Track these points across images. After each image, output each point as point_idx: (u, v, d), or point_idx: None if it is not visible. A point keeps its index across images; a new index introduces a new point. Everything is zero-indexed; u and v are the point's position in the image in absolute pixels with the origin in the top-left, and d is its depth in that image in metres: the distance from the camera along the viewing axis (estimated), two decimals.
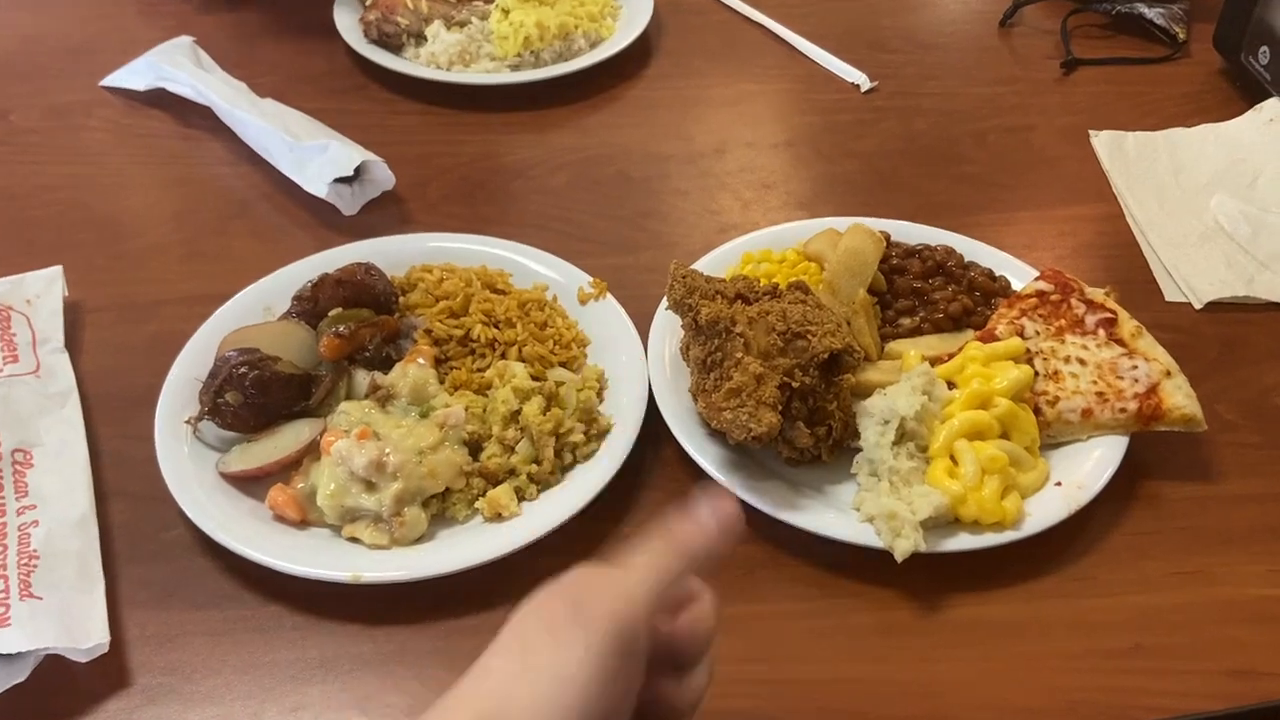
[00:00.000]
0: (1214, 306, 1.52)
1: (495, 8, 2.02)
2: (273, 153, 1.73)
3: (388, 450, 1.08)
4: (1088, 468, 1.22)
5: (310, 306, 1.36)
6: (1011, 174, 1.81)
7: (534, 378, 1.22)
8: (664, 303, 1.19)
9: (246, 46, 2.13)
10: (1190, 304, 1.54)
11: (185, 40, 1.99)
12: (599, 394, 1.21)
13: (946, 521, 1.15)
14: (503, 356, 1.25)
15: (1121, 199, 1.72)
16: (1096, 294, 1.40)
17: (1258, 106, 1.85)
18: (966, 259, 1.49)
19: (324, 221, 1.66)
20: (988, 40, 2.17)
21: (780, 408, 1.06)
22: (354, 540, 1.07)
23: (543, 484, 1.13)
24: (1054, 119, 1.95)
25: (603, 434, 1.16)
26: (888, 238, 1.48)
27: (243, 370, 1.12)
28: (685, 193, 1.75)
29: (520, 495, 1.11)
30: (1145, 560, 1.18)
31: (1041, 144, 1.89)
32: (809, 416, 1.09)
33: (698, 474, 1.11)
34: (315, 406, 1.17)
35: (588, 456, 1.15)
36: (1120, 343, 1.33)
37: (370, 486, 1.07)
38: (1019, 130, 1.92)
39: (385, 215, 1.67)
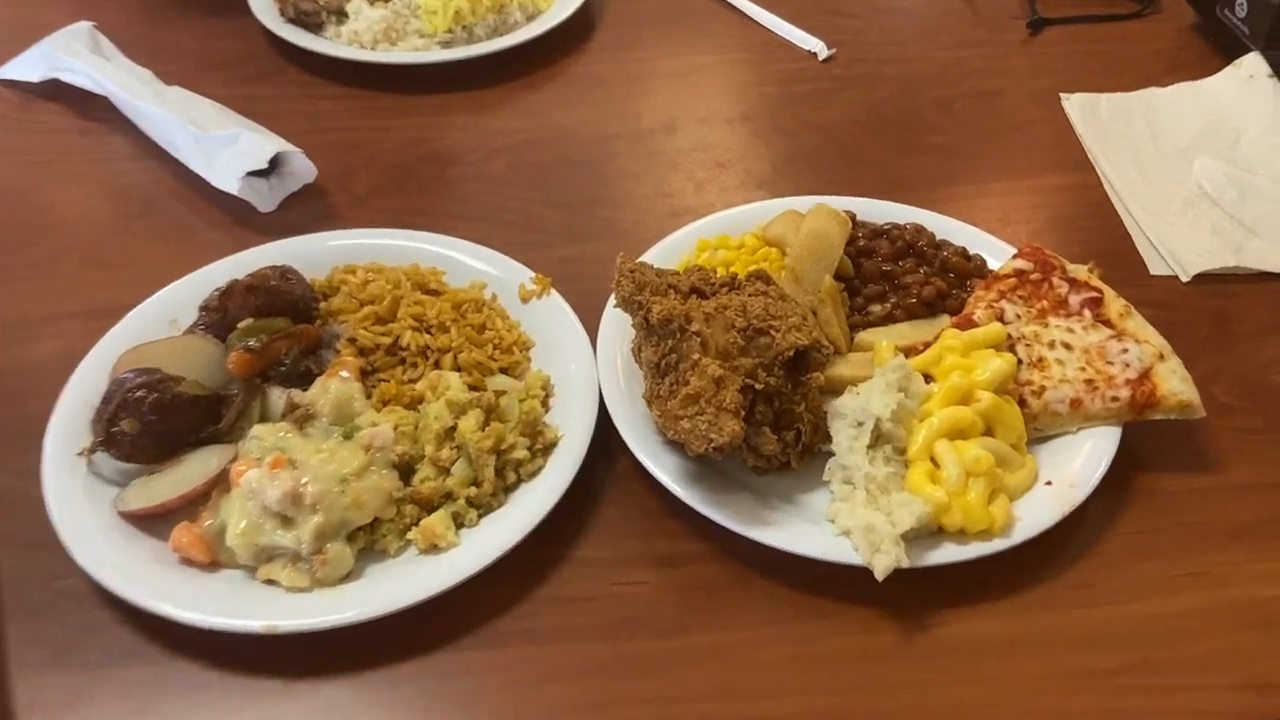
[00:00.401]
0: (1202, 279, 1.45)
1: None
2: (178, 146, 1.60)
3: (305, 479, 0.97)
4: (1078, 463, 1.14)
5: (219, 318, 1.23)
6: (980, 143, 1.73)
7: (472, 388, 1.13)
8: (613, 299, 1.08)
9: (152, 30, 1.99)
10: (1177, 277, 1.46)
11: (83, 26, 1.84)
12: (544, 403, 1.12)
13: (929, 531, 1.06)
14: (436, 365, 1.15)
15: (1098, 166, 1.65)
16: (1079, 271, 1.31)
17: (1236, 62, 1.78)
18: (938, 237, 1.41)
19: (239, 220, 1.54)
20: (950, 2, 2.09)
21: (743, 413, 0.97)
22: (271, 583, 0.96)
23: (484, 508, 1.06)
24: (1023, 82, 1.88)
25: (549, 448, 1.08)
26: (853, 218, 1.39)
27: (140, 394, 1.01)
28: (634, 175, 1.66)
29: (459, 522, 1.03)
30: (1145, 562, 1.10)
31: (1011, 109, 1.81)
32: (775, 420, 1.00)
33: (655, 488, 1.05)
34: (225, 431, 1.07)
35: (533, 474, 1.06)
36: (1108, 324, 1.25)
37: (286, 521, 0.97)
38: (986, 96, 1.84)
39: (307, 211, 1.56)
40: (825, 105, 1.79)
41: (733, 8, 2.03)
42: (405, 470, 1.06)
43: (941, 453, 1.02)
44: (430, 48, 1.83)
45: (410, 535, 1.02)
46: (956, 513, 0.99)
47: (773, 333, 1.06)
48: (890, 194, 1.48)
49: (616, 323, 1.17)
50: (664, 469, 1.05)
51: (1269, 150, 1.62)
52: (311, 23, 1.87)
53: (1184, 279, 1.44)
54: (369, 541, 1.02)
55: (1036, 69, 1.89)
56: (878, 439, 1.03)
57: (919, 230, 1.40)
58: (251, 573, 1.00)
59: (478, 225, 1.50)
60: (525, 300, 1.27)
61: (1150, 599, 1.01)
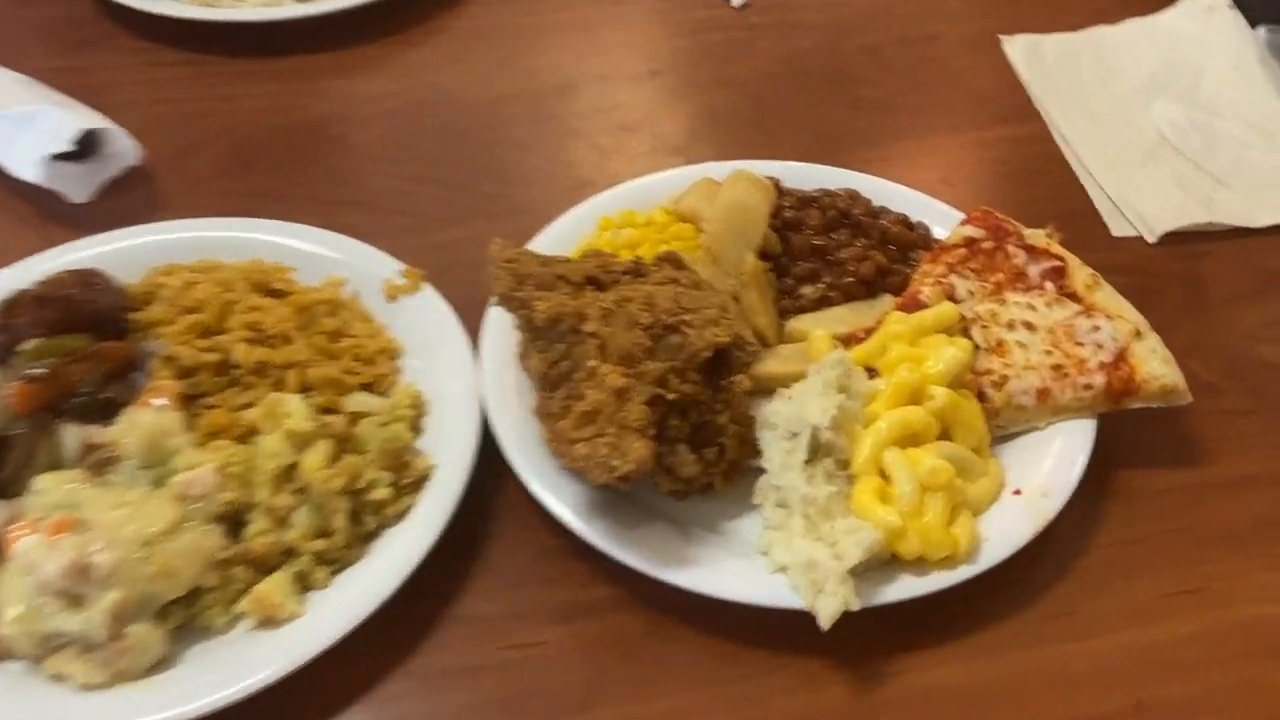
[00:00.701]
0: (1171, 238, 1.32)
1: None
2: None
3: (96, 546, 0.78)
4: (1049, 465, 0.99)
5: (1, 339, 1.02)
6: (916, 94, 1.58)
7: (325, 410, 0.92)
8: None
9: None
10: (1142, 238, 1.33)
11: None
12: (414, 425, 0.98)
13: (882, 561, 0.90)
14: (280, 387, 0.95)
15: (1046, 115, 1.51)
16: (1037, 236, 1.16)
17: None
18: (875, 204, 1.25)
19: (48, 214, 1.32)
20: None
21: (653, 430, 0.79)
22: (60, 678, 0.75)
23: (337, 563, 0.92)
24: (958, 26, 1.73)
25: (420, 482, 0.95)
26: (777, 185, 1.22)
27: None
28: (526, 144, 1.48)
29: (304, 584, 0.90)
30: (1133, 580, 0.97)
31: (946, 56, 1.66)
32: (693, 435, 0.85)
33: (554, 524, 0.92)
34: (4, 484, 0.84)
35: (399, 516, 0.93)
36: (1073, 297, 1.10)
37: (74, 600, 0.77)
38: (919, 42, 1.69)
39: (133, 200, 1.34)
40: (742, 58, 1.62)
41: None
42: (235, 523, 0.90)
43: (892, 464, 0.87)
44: (285, 2, 1.60)
45: (240, 606, 0.86)
46: (913, 538, 0.84)
47: (685, 329, 0.89)
48: (819, 156, 1.33)
49: (505, 323, 1.03)
50: (563, 500, 0.92)
51: (1233, 90, 1.50)
52: None
53: (1150, 239, 1.31)
54: (187, 617, 0.86)
55: (971, 10, 1.74)
56: (816, 452, 0.89)
57: (853, 196, 1.24)
58: (39, 663, 0.80)
59: (340, 209, 1.32)
60: (392, 298, 1.09)
61: (1143, 625, 0.90)
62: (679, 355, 0.91)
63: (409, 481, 0.94)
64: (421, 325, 1.09)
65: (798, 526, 0.90)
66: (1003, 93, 1.58)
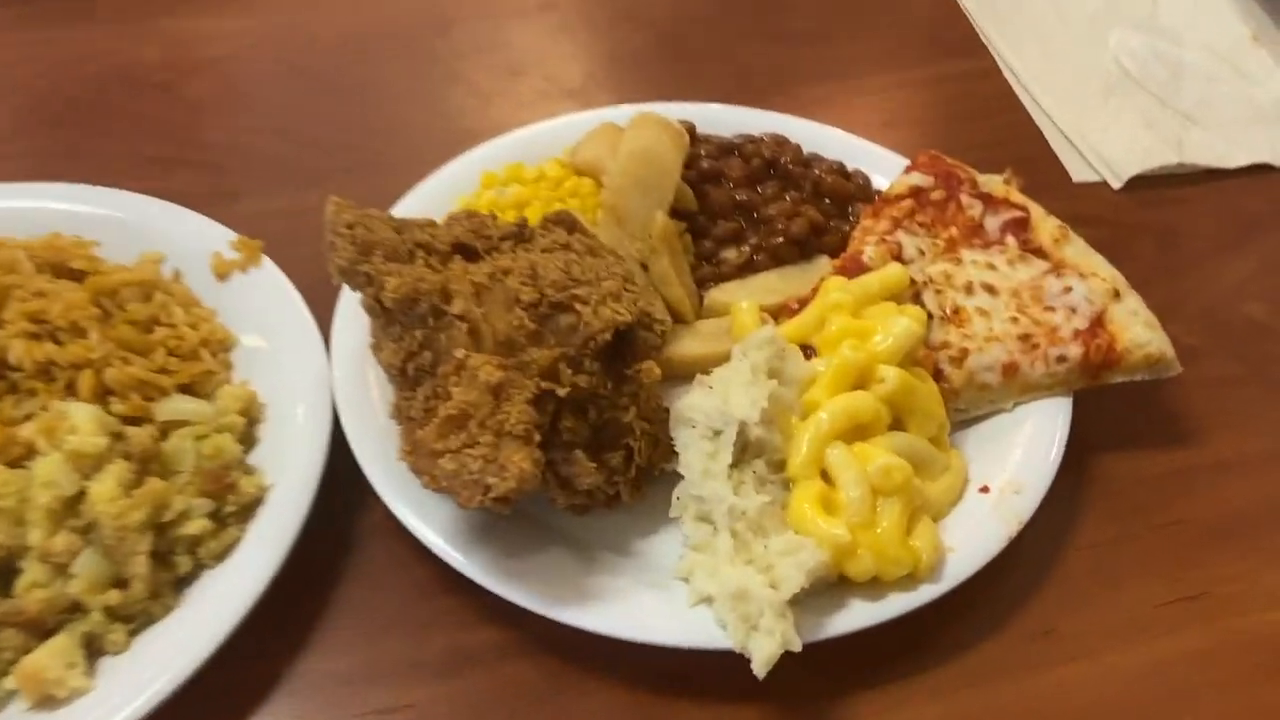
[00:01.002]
0: (1138, 183, 1.21)
1: None
2: None
3: None
4: (1018, 456, 0.88)
5: None
6: (848, 25, 1.46)
7: (130, 420, 0.77)
8: None
9: None
10: (1107, 183, 1.22)
11: None
12: (245, 435, 0.83)
13: (828, 585, 0.77)
14: (72, 392, 0.86)
15: (992, 47, 1.39)
16: (993, 183, 1.04)
17: None
18: (806, 150, 1.11)
19: None
20: None
21: (540, 437, 0.63)
22: None
23: (138, 620, 0.79)
24: None
25: (249, 509, 0.83)
26: (691, 130, 1.08)
27: None
28: (396, 91, 1.32)
29: (94, 648, 0.77)
30: (1120, 588, 0.86)
31: None
32: (594, 438, 0.72)
33: (423, 553, 0.81)
34: None
35: (222, 554, 0.77)
36: (1039, 253, 0.98)
37: None
38: None
39: None
40: None
41: None
42: (5, 573, 0.76)
43: (837, 465, 0.75)
44: None
45: (8, 681, 0.73)
46: (865, 555, 0.73)
47: (578, 306, 0.74)
48: (740, 98, 1.20)
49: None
50: (435, 525, 0.81)
51: (1197, 14, 1.40)
52: None
53: (1115, 185, 1.21)
54: None
55: None
56: (744, 452, 0.75)
57: (780, 143, 1.11)
58: None
59: (168, 171, 1.17)
60: (223, 276, 0.93)
61: (1136, 643, 0.82)
62: (571, 339, 0.76)
63: (234, 509, 0.78)
64: (259, 310, 0.98)
65: (724, 547, 0.76)
66: (945, 24, 1.48)
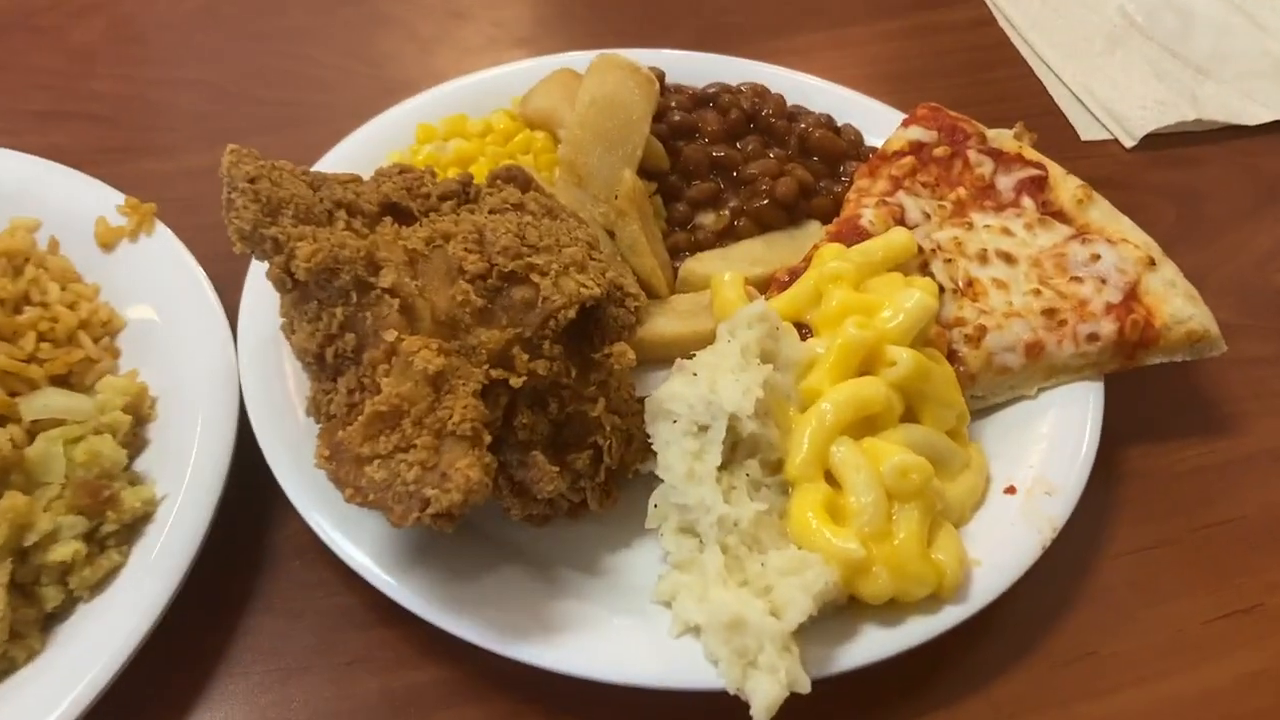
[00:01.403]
0: (1152, 141, 1.12)
1: None
2: None
3: None
4: (1044, 450, 0.78)
5: None
6: None
7: None
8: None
9: None
10: (1118, 141, 1.12)
11: None
12: (130, 437, 0.76)
13: (837, 607, 0.66)
14: None
15: None
16: (1003, 138, 0.94)
17: None
18: (789, 104, 0.99)
19: None
20: None
21: (490, 437, 0.51)
22: None
23: None
24: None
25: (134, 528, 0.72)
26: (660, 79, 0.96)
27: None
28: (319, 35, 1.20)
29: None
30: (1164, 602, 0.77)
31: None
32: (554, 436, 0.57)
33: (350, 576, 0.70)
34: None
35: (99, 585, 0.70)
36: (1060, 216, 0.87)
37: None
38: None
39: None
40: None
41: None
42: None
43: (845, 465, 0.65)
44: None
45: None
46: (880, 573, 0.64)
47: (535, 277, 0.63)
48: (708, 48, 1.09)
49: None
50: (362, 543, 0.71)
51: None
52: None
53: (1128, 143, 1.12)
54: None
55: None
56: (735, 450, 0.63)
57: (760, 94, 1.00)
58: None
59: (44, 125, 1.06)
60: (108, 247, 0.81)
61: (1184, 668, 0.75)
62: (527, 318, 0.65)
63: (115, 529, 0.65)
64: (151, 286, 0.87)
65: (713, 565, 0.65)
66: None
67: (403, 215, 0.71)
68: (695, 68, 1.05)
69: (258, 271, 0.82)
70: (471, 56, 1.18)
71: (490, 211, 0.72)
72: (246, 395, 0.75)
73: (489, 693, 0.68)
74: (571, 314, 0.65)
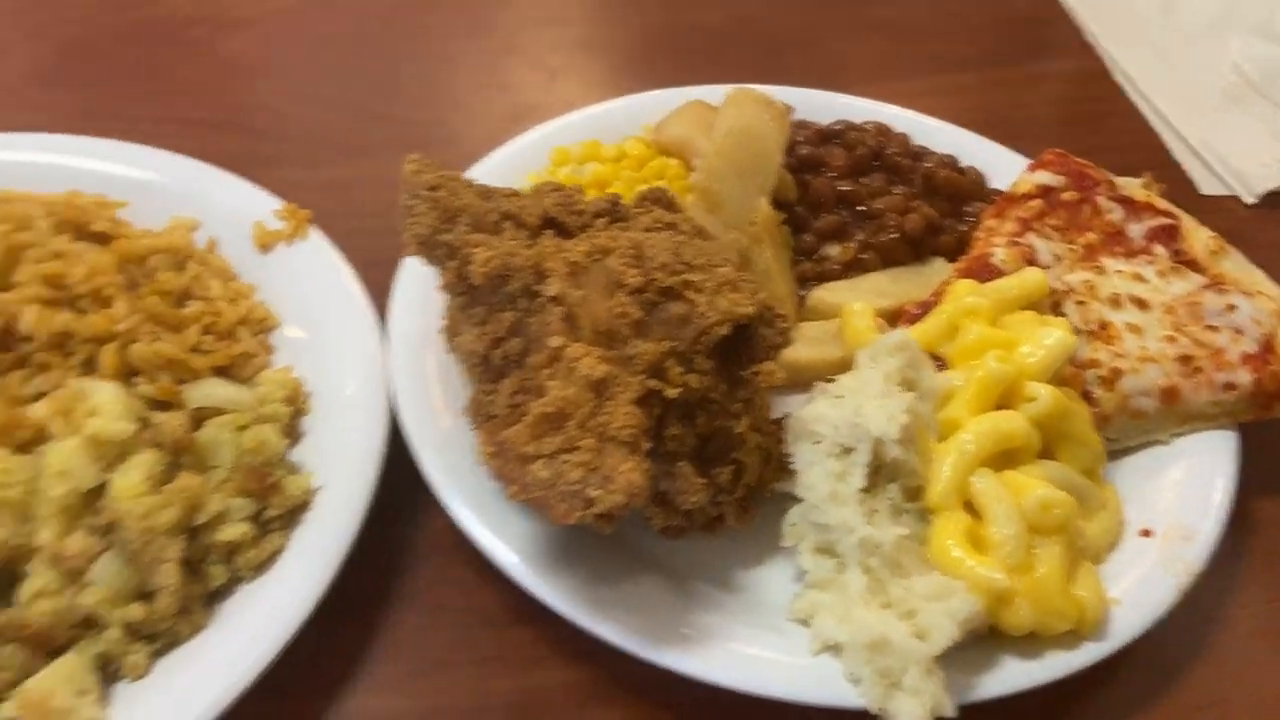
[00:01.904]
0: (1273, 199, 1.11)
1: None
2: None
3: None
4: (1175, 495, 0.77)
5: None
6: (940, 18, 1.39)
7: (158, 405, 0.76)
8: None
9: None
10: (1238, 197, 1.12)
11: None
12: (289, 429, 0.79)
13: (976, 637, 0.66)
14: (91, 368, 0.76)
15: (1099, 47, 1.31)
16: (1132, 187, 0.94)
17: None
18: (913, 141, 1.01)
19: None
20: None
21: (647, 444, 0.52)
22: None
23: (162, 640, 0.68)
24: None
25: (294, 514, 0.73)
26: (790, 113, 0.98)
27: None
28: (450, 58, 1.25)
29: (110, 673, 0.66)
30: None
31: None
32: (700, 448, 0.57)
33: (492, 575, 0.72)
34: None
35: (262, 566, 0.71)
36: (1193, 266, 0.88)
37: None
38: None
39: None
40: None
41: None
42: (6, 578, 0.66)
43: (986, 496, 0.66)
44: None
45: (6, 708, 0.63)
46: (1022, 605, 0.63)
47: (691, 294, 0.64)
48: (828, 84, 1.11)
49: (426, 285, 0.83)
50: (508, 540, 0.72)
51: None
52: None
53: (1248, 199, 1.12)
54: None
55: None
56: (878, 475, 0.62)
57: (884, 132, 1.02)
58: None
59: (199, 134, 1.09)
60: (265, 248, 0.87)
61: None
62: (682, 332, 0.66)
63: (278, 513, 0.67)
64: (306, 286, 0.90)
65: (856, 586, 0.65)
66: (1045, 21, 1.40)
67: (561, 229, 0.73)
68: (817, 105, 1.06)
69: (407, 277, 0.85)
70: (596, 87, 1.21)
71: (645, 228, 0.74)
72: (396, 393, 0.77)
73: (624, 696, 0.70)
74: (726, 330, 0.67)
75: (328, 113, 1.14)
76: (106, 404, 0.69)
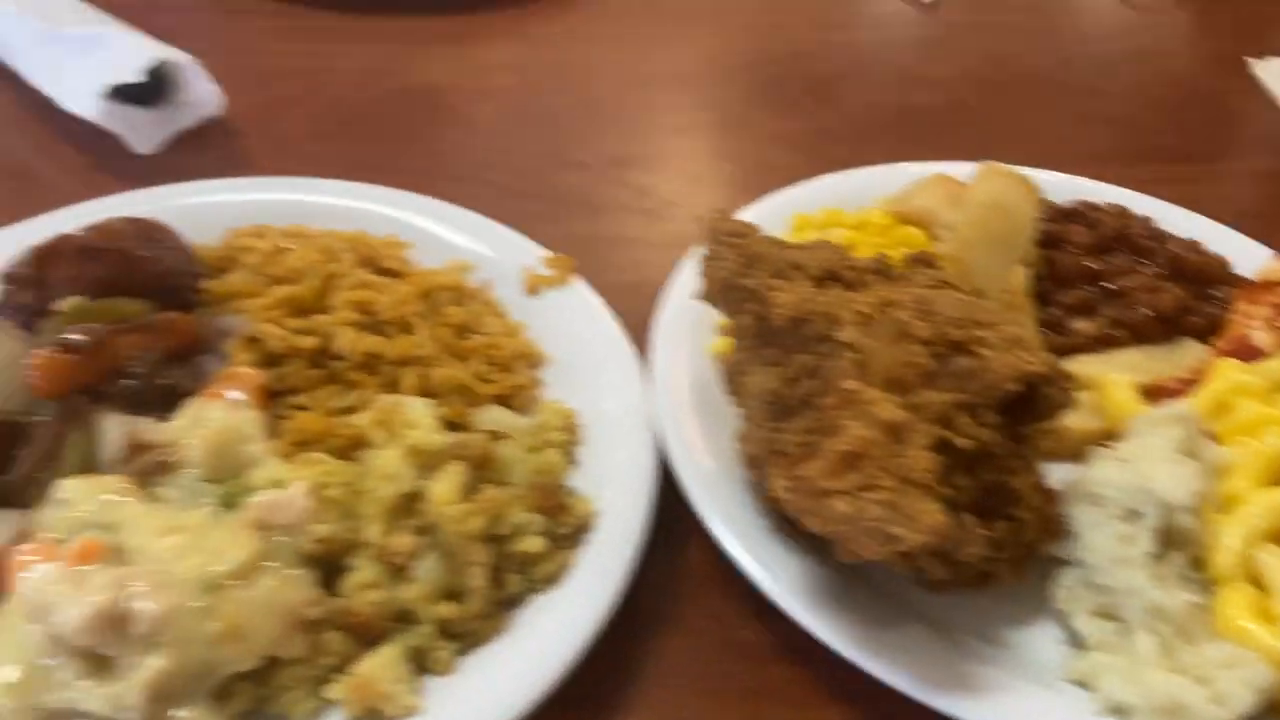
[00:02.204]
0: None
1: None
2: (16, 48, 1.17)
3: (137, 587, 0.62)
4: None
5: (31, 295, 0.81)
6: (1156, 113, 1.39)
7: (450, 425, 0.80)
8: (679, 289, 0.88)
9: None
10: None
11: None
12: (567, 454, 0.77)
13: (1266, 709, 0.65)
14: (392, 388, 0.82)
15: None
16: None
17: None
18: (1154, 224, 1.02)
19: (102, 163, 1.15)
20: None
21: (943, 490, 0.54)
22: None
23: (467, 640, 0.71)
24: (1195, 44, 1.56)
25: (579, 533, 0.75)
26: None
27: None
28: (683, 130, 1.32)
29: (423, 665, 0.69)
30: None
31: (1185, 75, 1.48)
32: (980, 500, 0.57)
33: (755, 607, 0.73)
34: (19, 484, 0.72)
35: (552, 579, 0.73)
36: None
37: (100, 665, 0.62)
38: (1153, 57, 1.51)
39: (209, 158, 1.17)
40: (939, 58, 1.47)
41: None
42: (330, 569, 0.70)
43: (1274, 570, 0.60)
44: None
45: (333, 691, 0.66)
46: None
47: (980, 350, 0.65)
48: (1050, 167, 1.12)
49: (679, 328, 0.88)
50: (775, 573, 0.72)
51: None
52: None
53: None
54: (256, 701, 0.66)
55: (1211, 27, 1.58)
56: (1163, 541, 0.61)
57: (1125, 214, 1.02)
58: None
59: (449, 188, 1.13)
60: (533, 291, 0.89)
61: None
62: (970, 386, 0.68)
63: (567, 531, 0.70)
64: (570, 328, 0.93)
65: (1146, 649, 0.65)
66: (1259, 120, 1.41)
67: (844, 283, 0.77)
68: (1053, 186, 1.07)
69: (667, 321, 0.89)
70: (819, 159, 1.23)
71: (925, 286, 0.76)
72: (665, 429, 0.80)
73: None
74: (1016, 386, 0.69)
75: (568, 174, 1.20)
76: (421, 418, 0.74)
